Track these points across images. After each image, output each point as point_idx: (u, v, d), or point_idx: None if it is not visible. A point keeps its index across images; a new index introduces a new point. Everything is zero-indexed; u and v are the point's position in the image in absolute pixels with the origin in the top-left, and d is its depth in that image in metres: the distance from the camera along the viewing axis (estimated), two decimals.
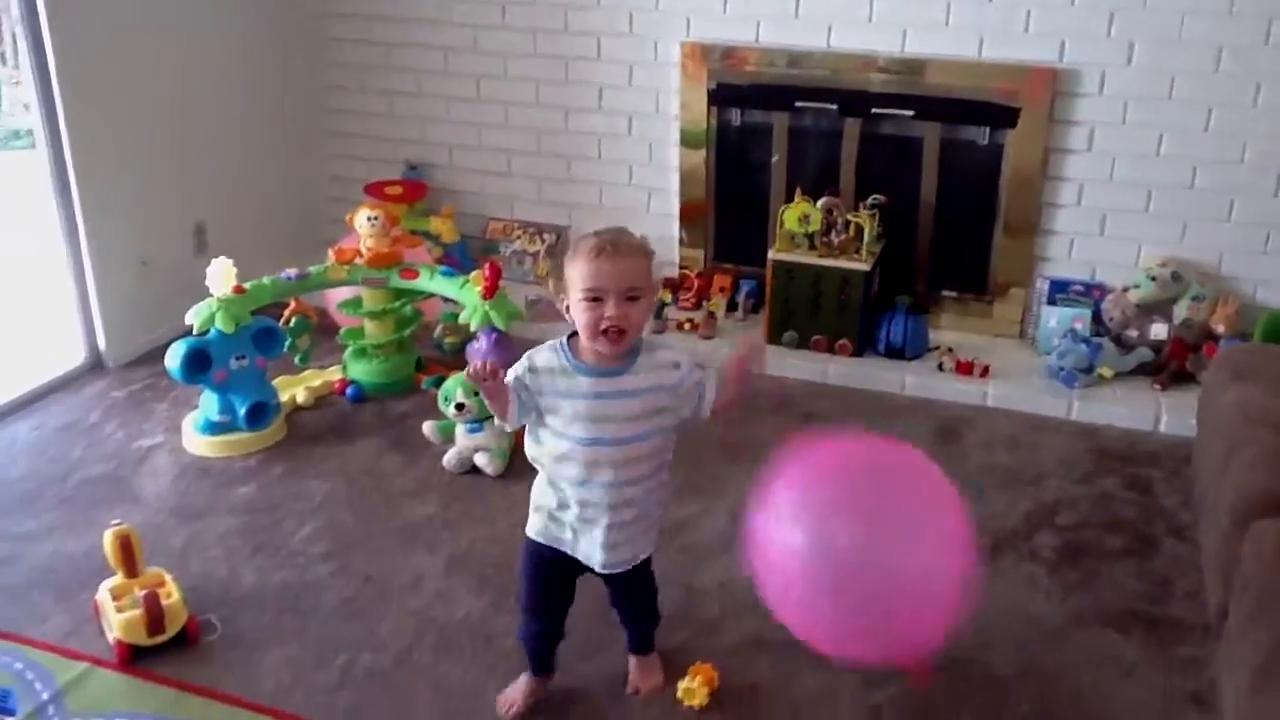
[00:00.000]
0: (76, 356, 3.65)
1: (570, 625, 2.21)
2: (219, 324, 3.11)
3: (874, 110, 3.77)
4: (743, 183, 4.04)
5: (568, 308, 1.97)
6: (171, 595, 2.42)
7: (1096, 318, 3.66)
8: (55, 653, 2.39)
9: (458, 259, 4.14)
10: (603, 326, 1.90)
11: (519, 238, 4.37)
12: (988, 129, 3.69)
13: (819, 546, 1.83)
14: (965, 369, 3.61)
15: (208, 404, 3.20)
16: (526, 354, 2.02)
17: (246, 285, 3.22)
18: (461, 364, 3.44)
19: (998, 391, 3.54)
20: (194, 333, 3.13)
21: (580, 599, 2.19)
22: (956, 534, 1.88)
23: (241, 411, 3.16)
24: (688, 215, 4.12)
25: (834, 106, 3.81)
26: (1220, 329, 3.50)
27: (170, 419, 3.36)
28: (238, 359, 3.16)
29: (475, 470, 3.10)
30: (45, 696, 2.26)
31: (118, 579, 2.45)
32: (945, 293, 3.93)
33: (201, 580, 2.63)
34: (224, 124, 4.03)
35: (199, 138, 3.92)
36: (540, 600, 2.17)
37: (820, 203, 3.67)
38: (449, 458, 3.12)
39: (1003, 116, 3.63)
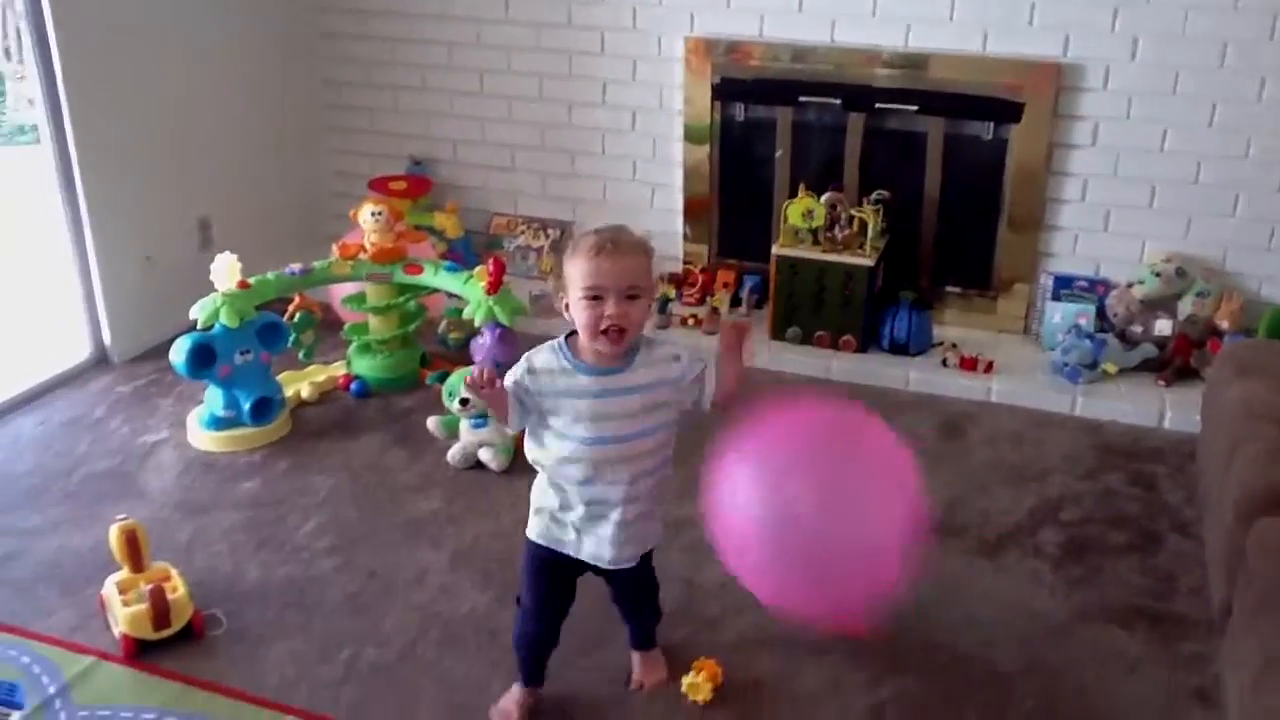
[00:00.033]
0: (82, 352, 3.65)
1: (571, 622, 2.20)
2: (224, 319, 3.11)
3: (878, 105, 3.77)
4: (746, 178, 4.04)
5: (566, 306, 1.96)
6: (177, 590, 2.43)
7: (1101, 314, 3.66)
8: (61, 647, 2.40)
9: (462, 254, 4.14)
10: (603, 326, 1.89)
11: (523, 233, 4.37)
12: (992, 124, 3.69)
13: (769, 506, 1.86)
14: (969, 365, 3.60)
15: (212, 399, 3.21)
16: (525, 356, 2.01)
17: (251, 280, 3.22)
18: (466, 359, 3.45)
19: (1002, 387, 3.54)
20: (199, 328, 3.14)
21: (581, 597, 2.19)
22: (904, 500, 1.91)
23: (246, 406, 3.16)
24: (691, 211, 4.12)
25: (838, 101, 3.81)
26: (1225, 325, 3.49)
27: (175, 414, 3.37)
28: (242, 354, 3.17)
29: (479, 465, 3.11)
30: (52, 690, 2.27)
31: (123, 573, 2.46)
32: (949, 288, 3.92)
33: (206, 575, 2.63)
34: (228, 120, 4.03)
35: (203, 133, 3.92)
36: (541, 601, 2.16)
37: (824, 198, 3.66)
38: (453, 453, 3.12)
39: (1007, 111, 3.63)
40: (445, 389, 3.19)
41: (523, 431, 2.08)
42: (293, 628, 2.48)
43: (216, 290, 3.15)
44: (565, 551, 2.08)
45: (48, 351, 3.61)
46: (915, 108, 3.73)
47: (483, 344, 3.31)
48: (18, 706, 2.23)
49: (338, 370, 3.59)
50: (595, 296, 1.89)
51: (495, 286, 3.23)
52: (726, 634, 2.45)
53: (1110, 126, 3.57)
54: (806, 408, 1.99)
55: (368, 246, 3.43)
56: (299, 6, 4.30)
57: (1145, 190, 3.61)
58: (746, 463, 1.88)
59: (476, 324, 3.27)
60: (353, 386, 3.52)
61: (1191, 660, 2.40)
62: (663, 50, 3.96)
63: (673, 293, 4.01)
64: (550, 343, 2.01)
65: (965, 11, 3.59)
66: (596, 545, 2.05)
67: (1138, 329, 3.59)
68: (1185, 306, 3.54)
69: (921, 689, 2.31)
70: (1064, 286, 3.74)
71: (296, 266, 3.41)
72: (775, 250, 3.72)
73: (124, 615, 2.36)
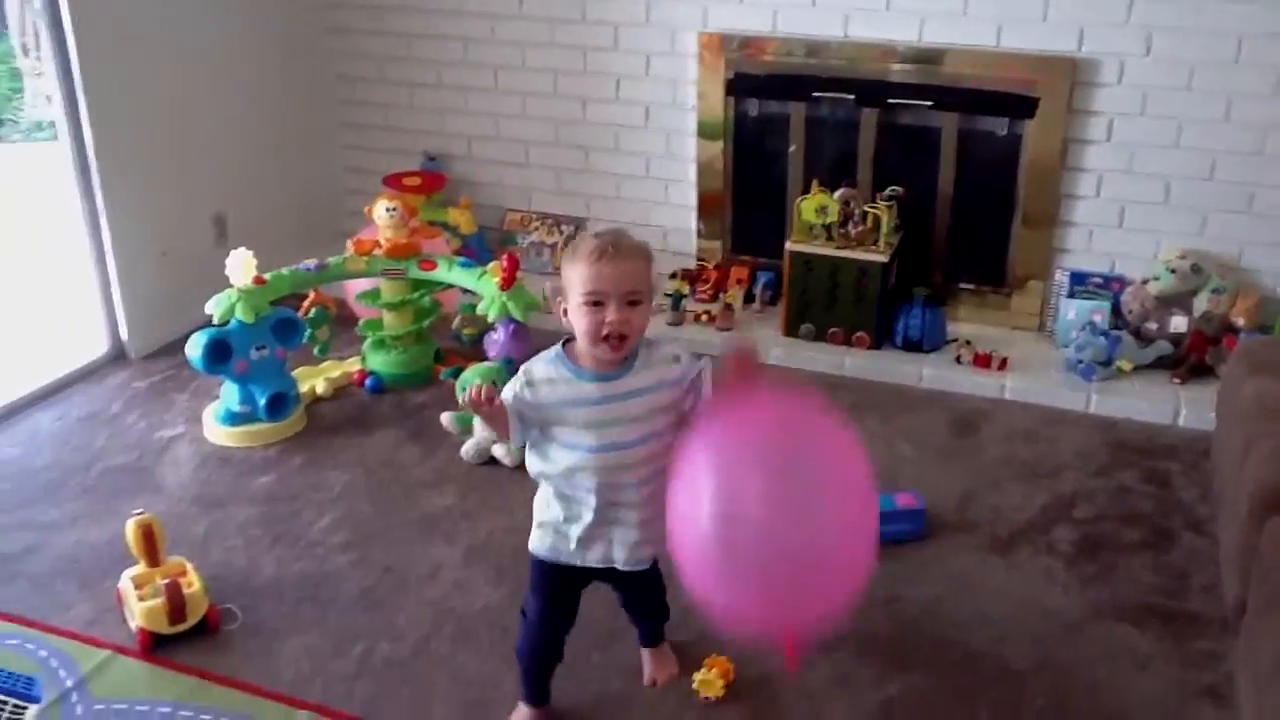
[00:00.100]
0: (99, 347, 3.68)
1: (582, 619, 2.19)
2: (239, 315, 3.13)
3: (891, 100, 3.76)
4: (760, 174, 4.03)
5: (565, 311, 1.93)
6: (193, 584, 2.45)
7: (1115, 310, 3.65)
8: (78, 640, 2.42)
9: (476, 250, 4.15)
10: (604, 332, 1.87)
11: (537, 229, 4.38)
12: (1006, 119, 3.68)
13: (722, 513, 1.71)
14: (983, 361, 3.60)
15: (228, 394, 3.23)
16: (522, 368, 1.97)
17: (266, 276, 3.24)
18: (479, 355, 3.46)
19: (1015, 384, 3.53)
20: (215, 323, 3.16)
21: (591, 594, 2.17)
22: (859, 519, 1.77)
23: (261, 402, 3.18)
24: (705, 207, 4.12)
25: (851, 97, 3.80)
26: (1240, 322, 3.48)
27: (191, 409, 3.39)
28: (258, 349, 3.19)
29: (493, 461, 3.12)
30: (69, 684, 2.29)
31: (140, 568, 2.49)
32: (963, 285, 3.91)
33: (222, 569, 2.66)
34: (243, 116, 4.05)
35: (219, 129, 3.94)
36: (546, 614, 2.13)
37: (838, 194, 3.66)
38: (467, 448, 3.13)
39: (1021, 107, 3.61)
40: (459, 384, 3.20)
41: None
42: (307, 622, 2.50)
43: (232, 286, 3.17)
44: (570, 563, 2.05)
45: (65, 347, 3.64)
46: (929, 103, 3.72)
47: (496, 339, 3.33)
48: (35, 700, 2.25)
49: (352, 366, 3.61)
50: (596, 302, 1.86)
51: (509, 282, 3.24)
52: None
53: (1125, 122, 3.56)
54: (763, 407, 1.86)
55: (382, 242, 3.45)
56: (313, 3, 4.32)
57: (1160, 186, 3.59)
58: (698, 469, 1.75)
59: (490, 320, 3.29)
60: (367, 382, 3.53)
61: (1204, 658, 2.39)
62: (676, 45, 3.96)
63: (686, 289, 4.01)
64: (546, 352, 1.98)
65: (979, 6, 3.57)
66: (608, 549, 2.03)
67: (1153, 326, 3.58)
68: (1200, 303, 3.52)
69: (932, 685, 2.31)
70: (1079, 283, 3.73)
71: (311, 262, 3.42)
72: (789, 246, 3.72)
73: (140, 609, 2.38)
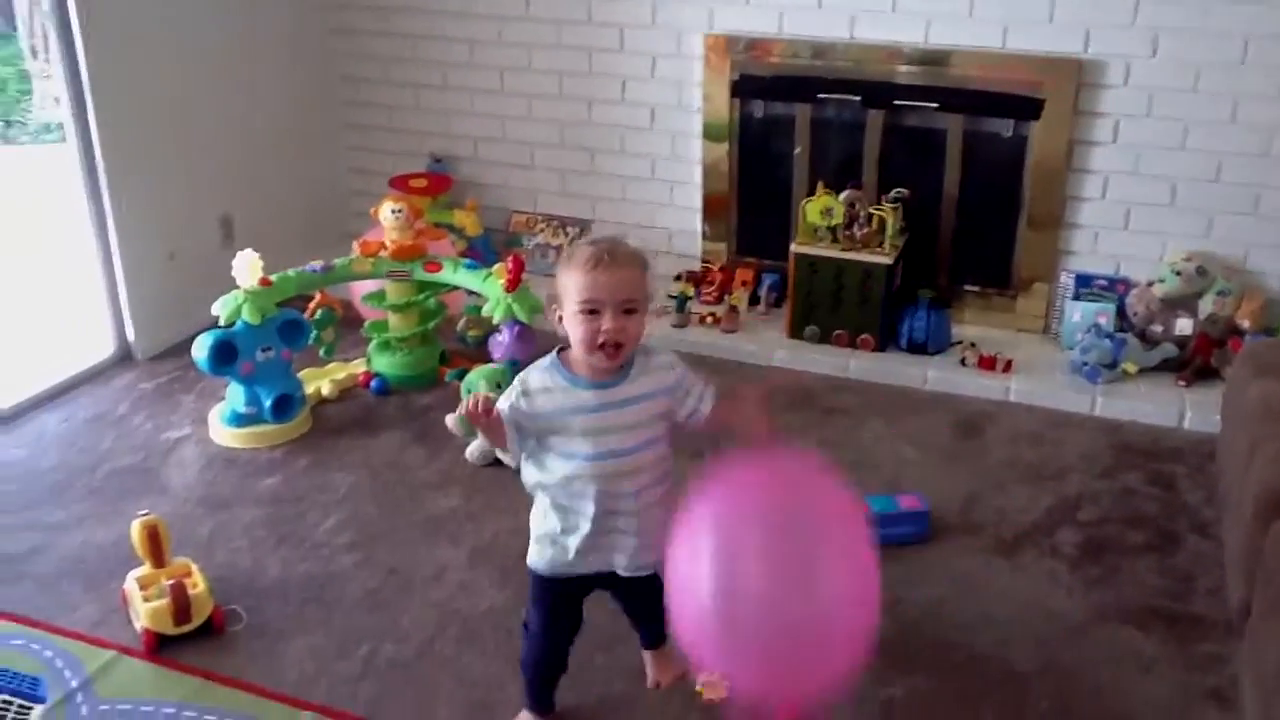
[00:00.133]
0: (106, 349, 3.69)
1: (584, 621, 2.18)
2: (245, 316, 3.14)
3: (897, 102, 3.76)
4: (765, 176, 4.03)
5: (560, 319, 1.91)
6: (198, 585, 2.46)
7: (1121, 313, 3.64)
8: (84, 641, 2.43)
9: (481, 252, 4.16)
10: (599, 341, 1.85)
11: (542, 231, 4.38)
12: (1012, 121, 3.67)
13: (722, 589, 1.64)
14: (988, 364, 3.59)
15: (234, 396, 3.24)
16: (517, 378, 1.96)
17: (272, 278, 3.24)
18: (484, 357, 3.47)
19: (1020, 387, 3.53)
20: (221, 325, 3.17)
21: (590, 597, 2.16)
22: (860, 589, 1.71)
23: (267, 403, 3.19)
24: (710, 208, 4.13)
25: (857, 98, 3.80)
26: (1246, 324, 3.47)
27: (197, 410, 3.40)
28: (264, 351, 3.20)
29: (498, 463, 3.11)
30: (74, 684, 2.30)
31: (145, 569, 2.49)
32: (968, 287, 3.91)
33: (227, 570, 2.66)
34: (250, 117, 4.07)
35: (225, 131, 3.95)
36: (548, 627, 2.13)
37: (843, 196, 3.66)
38: (472, 450, 3.14)
39: (1027, 108, 3.61)
40: (464, 386, 3.21)
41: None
42: (312, 624, 2.50)
43: (238, 287, 3.18)
44: (571, 573, 2.04)
45: (72, 348, 3.66)
46: (935, 105, 3.72)
47: (501, 341, 3.33)
48: (41, 700, 2.26)
49: (358, 368, 3.61)
50: (592, 310, 1.84)
51: (514, 284, 3.25)
52: None
53: (1131, 124, 3.55)
54: (761, 473, 1.79)
55: (388, 244, 3.45)
56: (319, 4, 4.33)
57: (1166, 188, 3.59)
58: (697, 541, 1.68)
59: (495, 321, 3.29)
60: (373, 384, 3.54)
61: (1208, 661, 2.39)
62: (682, 47, 3.97)
63: (691, 291, 4.01)
64: (541, 361, 1.97)
65: (985, 8, 3.57)
66: (607, 557, 2.02)
67: (1158, 328, 3.57)
68: (1206, 305, 3.52)
69: (935, 687, 2.31)
70: (1084, 285, 3.72)
71: (317, 264, 3.43)
72: (794, 248, 3.72)
73: (145, 610, 2.38)
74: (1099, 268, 3.74)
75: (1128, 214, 3.66)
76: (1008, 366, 3.58)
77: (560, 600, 2.10)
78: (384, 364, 3.57)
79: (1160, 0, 3.39)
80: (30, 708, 2.24)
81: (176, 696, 2.27)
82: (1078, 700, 2.29)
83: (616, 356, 1.88)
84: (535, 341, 3.25)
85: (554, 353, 1.96)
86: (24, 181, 5.10)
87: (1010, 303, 3.87)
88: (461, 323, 3.80)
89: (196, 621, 2.42)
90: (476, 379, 3.19)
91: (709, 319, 3.91)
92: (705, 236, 4.17)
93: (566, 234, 4.35)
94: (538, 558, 2.05)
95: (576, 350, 1.90)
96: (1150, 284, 3.60)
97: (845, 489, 1.74)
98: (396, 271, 3.46)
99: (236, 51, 3.96)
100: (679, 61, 3.98)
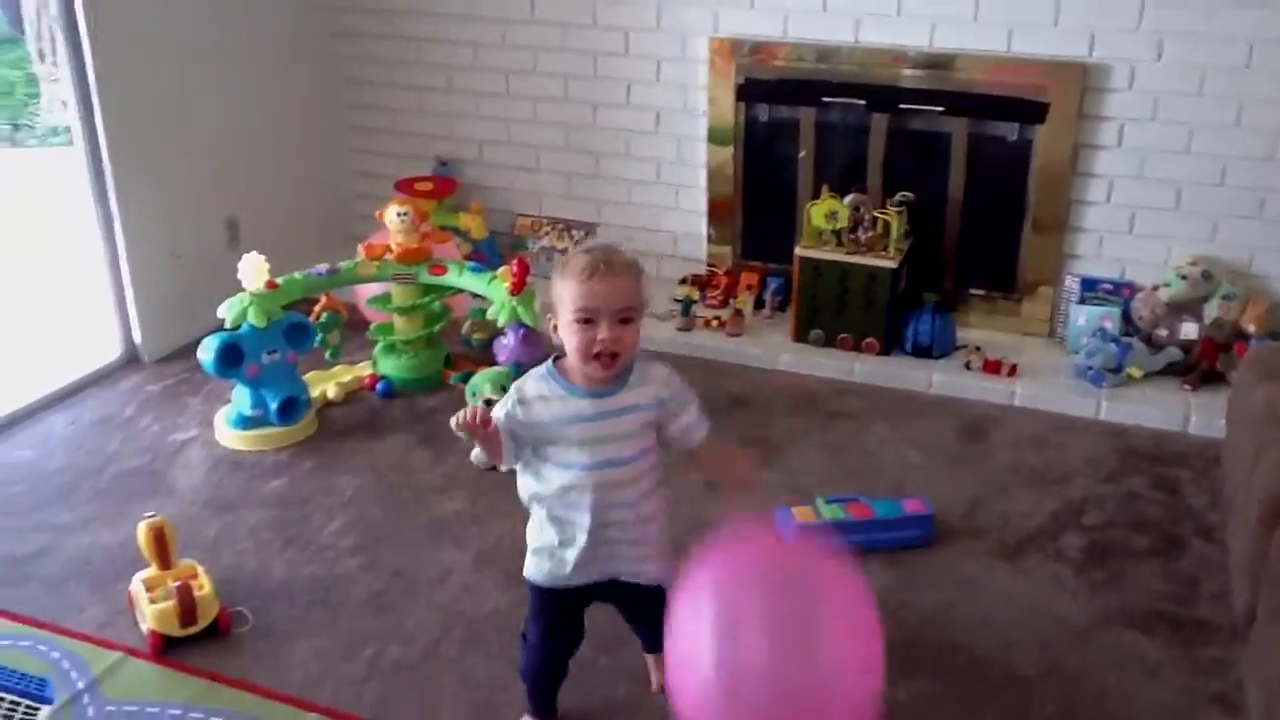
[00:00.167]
0: (112, 351, 3.71)
1: (587, 624, 2.17)
2: (251, 319, 3.15)
3: (902, 106, 3.76)
4: (770, 179, 4.04)
5: (555, 328, 1.90)
6: (204, 587, 2.47)
7: (1126, 317, 3.64)
8: (90, 642, 2.44)
9: (486, 255, 4.17)
10: (595, 350, 1.84)
11: (547, 234, 4.39)
12: (1016, 125, 3.67)
13: (723, 661, 1.62)
14: (993, 368, 3.59)
15: (240, 398, 3.25)
16: (513, 386, 1.95)
17: (278, 280, 3.25)
18: (490, 360, 3.47)
19: (1025, 391, 3.52)
20: (227, 327, 3.18)
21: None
22: (863, 659, 1.68)
23: (273, 406, 3.20)
24: (715, 212, 4.13)
25: (862, 102, 3.80)
26: (1251, 328, 3.46)
27: (203, 413, 3.41)
28: (269, 353, 3.21)
29: None
30: (81, 685, 2.31)
31: (151, 570, 2.50)
32: (973, 291, 3.91)
33: (233, 572, 2.67)
34: (255, 120, 4.08)
35: (231, 134, 3.96)
36: (548, 640, 2.12)
37: (847, 199, 3.66)
38: (477, 453, 3.14)
39: (1031, 112, 3.61)
40: (469, 389, 3.22)
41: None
42: (317, 625, 2.51)
43: (244, 290, 3.19)
44: (570, 585, 2.01)
45: (79, 351, 3.67)
46: (940, 108, 3.72)
47: (506, 344, 3.34)
48: (47, 701, 2.27)
49: (363, 370, 3.62)
50: (587, 319, 1.83)
51: (519, 287, 3.25)
52: None
53: (1136, 127, 3.55)
54: (760, 546, 1.77)
55: (393, 247, 3.46)
56: (323, 7, 4.34)
57: (1171, 192, 3.59)
58: (698, 614, 1.66)
59: (500, 324, 3.30)
60: (378, 387, 3.55)
61: (1213, 666, 2.39)
62: (687, 51, 3.97)
63: (696, 295, 4.02)
64: (537, 369, 1.96)
65: (990, 11, 3.58)
66: (609, 565, 2.00)
67: (1163, 332, 3.57)
68: (1211, 310, 3.51)
69: (938, 691, 2.31)
70: (1089, 289, 3.72)
71: (323, 267, 3.44)
72: (798, 252, 3.72)
73: (151, 612, 2.39)
74: (1104, 271, 3.74)
75: (1133, 218, 3.66)
76: (1013, 370, 3.58)
77: (560, 613, 2.09)
78: (389, 367, 3.58)
79: (1165, 4, 3.39)
80: (37, 708, 2.25)
81: (182, 698, 2.28)
82: (1082, 705, 2.29)
83: (612, 366, 1.87)
84: (540, 345, 3.26)
85: (550, 361, 1.95)
86: (32, 184, 5.12)
87: (1015, 306, 3.87)
88: (466, 326, 3.81)
89: (202, 623, 2.43)
90: (481, 382, 3.20)
91: (714, 322, 3.92)
92: (710, 240, 4.17)
93: (571, 237, 4.35)
94: (535, 570, 2.04)
95: (572, 359, 1.89)
96: (1155, 288, 3.60)
97: (844, 558, 1.72)
98: (402, 274, 3.47)
99: (242, 55, 3.97)
100: (684, 65, 3.99)
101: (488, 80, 4.30)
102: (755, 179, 4.05)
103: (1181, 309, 3.55)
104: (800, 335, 3.79)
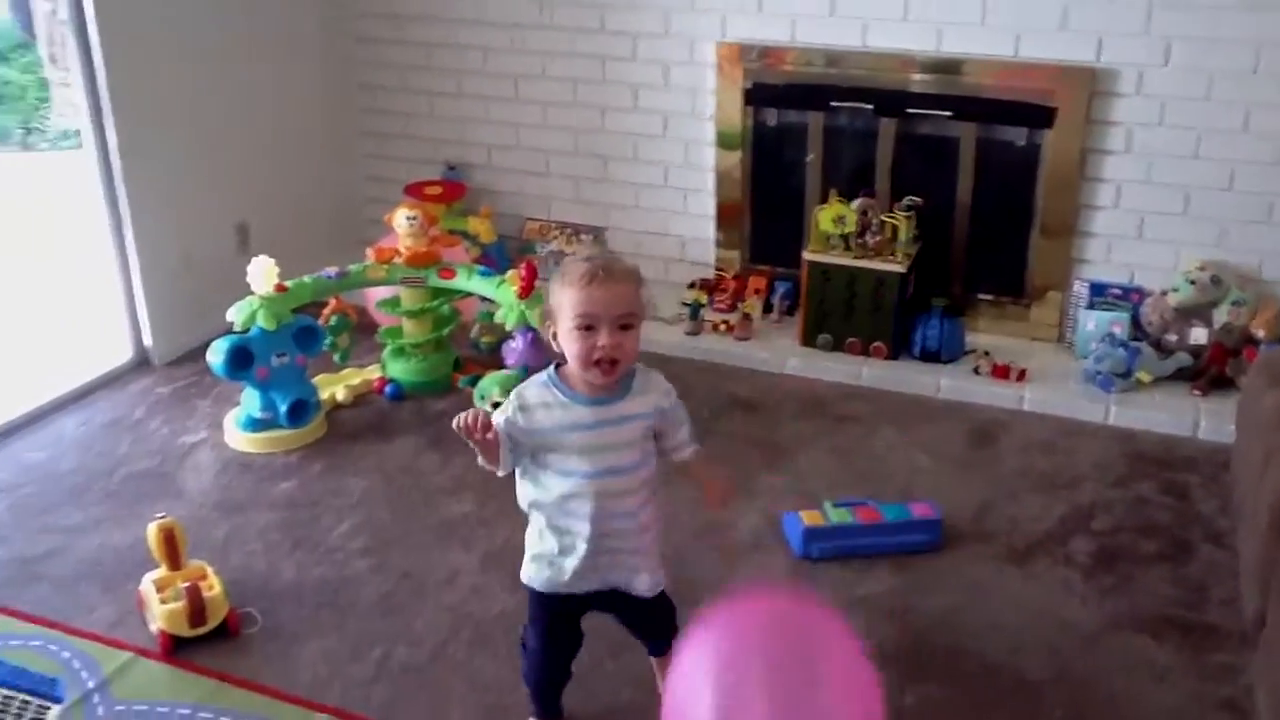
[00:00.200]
0: (123, 354, 3.72)
1: (591, 626, 2.17)
2: (261, 322, 3.16)
3: (910, 110, 3.76)
4: (778, 183, 4.04)
5: (555, 335, 1.89)
6: (213, 588, 2.47)
7: (1135, 322, 3.64)
8: (101, 642, 2.44)
9: (495, 259, 4.17)
10: (595, 357, 1.83)
11: (556, 238, 4.40)
12: (1025, 129, 3.68)
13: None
14: (1001, 372, 3.59)
15: (249, 401, 3.26)
16: (514, 392, 1.94)
17: (288, 284, 3.26)
18: (498, 363, 3.48)
19: (1034, 395, 3.52)
20: (236, 330, 3.19)
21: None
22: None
23: (283, 408, 3.21)
24: (724, 216, 4.13)
25: (870, 106, 3.81)
26: (1260, 333, 3.46)
27: (213, 415, 3.43)
28: (279, 356, 3.22)
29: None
30: (91, 685, 2.32)
31: (161, 571, 2.51)
32: (981, 295, 3.91)
33: (242, 573, 2.68)
34: (265, 124, 4.09)
35: (241, 138, 3.98)
36: (548, 646, 2.12)
37: (855, 204, 3.66)
38: None
39: (1040, 116, 3.61)
40: (477, 392, 3.23)
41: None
42: (326, 627, 2.52)
43: (254, 293, 3.20)
44: (569, 592, 2.01)
45: (90, 353, 3.68)
46: (948, 113, 3.72)
47: (515, 348, 3.35)
48: (58, 700, 2.28)
49: (372, 373, 3.63)
50: (588, 326, 1.82)
51: (528, 291, 3.26)
52: None
53: (1144, 132, 3.55)
54: (760, 611, 1.73)
55: (402, 250, 3.47)
56: (336, 13, 4.36)
57: (1179, 197, 3.58)
58: (697, 682, 1.62)
59: (509, 328, 3.31)
60: (387, 389, 3.56)
61: (1222, 671, 2.38)
62: (695, 55, 3.98)
63: (704, 299, 4.02)
64: (537, 376, 1.95)
65: (998, 16, 3.58)
66: (609, 574, 2.00)
67: (1172, 337, 3.57)
68: (1220, 315, 3.51)
69: (947, 696, 2.31)
70: (1098, 294, 3.72)
71: (332, 270, 3.45)
72: (806, 256, 3.73)
73: (161, 612, 2.40)
74: (1113, 276, 3.73)
75: (1141, 223, 3.66)
76: (1021, 375, 3.58)
77: (558, 619, 2.08)
78: (398, 370, 3.59)
79: (1173, 8, 3.39)
80: (48, 708, 2.25)
81: (192, 698, 2.29)
82: (1091, 710, 2.28)
83: (612, 373, 1.86)
84: (548, 348, 3.26)
85: (550, 368, 1.95)
86: (43, 188, 5.14)
87: (1024, 311, 3.87)
88: (475, 329, 3.82)
89: (212, 624, 2.44)
90: (490, 385, 3.21)
91: (722, 326, 3.92)
92: (718, 244, 4.18)
93: (580, 241, 4.36)
94: (534, 575, 2.03)
95: (573, 366, 1.88)
96: (1164, 293, 3.59)
97: (844, 625, 1.70)
98: (411, 278, 3.48)
99: (253, 59, 3.99)
100: (692, 69, 4.00)
101: (497, 85, 4.31)
102: (763, 183, 4.06)
103: (1190, 314, 3.54)
104: (808, 339, 3.79)
